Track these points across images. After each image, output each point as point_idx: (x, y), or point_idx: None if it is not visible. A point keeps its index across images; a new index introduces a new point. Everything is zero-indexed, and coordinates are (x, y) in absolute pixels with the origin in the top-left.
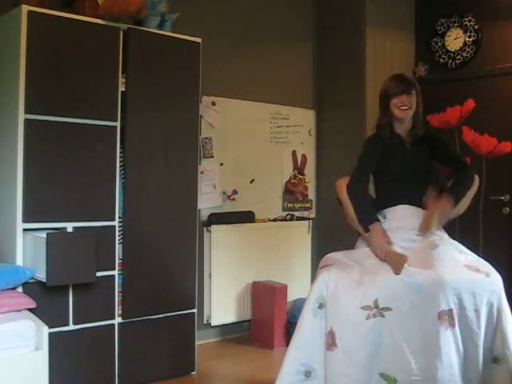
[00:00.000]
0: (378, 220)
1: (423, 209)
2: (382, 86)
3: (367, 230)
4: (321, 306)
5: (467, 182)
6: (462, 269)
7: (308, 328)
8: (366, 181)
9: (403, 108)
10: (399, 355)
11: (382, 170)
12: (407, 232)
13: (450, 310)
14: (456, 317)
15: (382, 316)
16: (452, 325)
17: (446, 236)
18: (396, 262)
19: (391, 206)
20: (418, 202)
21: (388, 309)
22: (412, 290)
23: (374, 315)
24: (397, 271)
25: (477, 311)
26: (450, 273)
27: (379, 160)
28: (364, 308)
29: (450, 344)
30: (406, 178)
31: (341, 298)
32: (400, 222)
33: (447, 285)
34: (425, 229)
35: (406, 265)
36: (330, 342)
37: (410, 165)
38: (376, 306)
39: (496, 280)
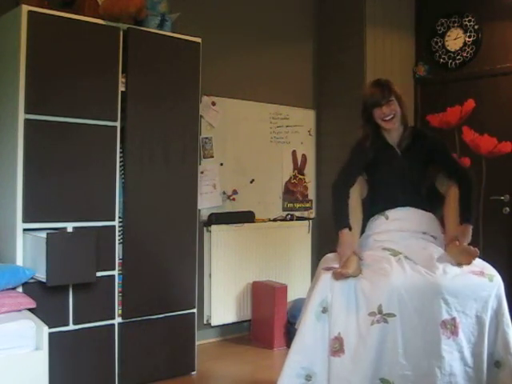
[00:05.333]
0: (348, 227)
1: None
2: (362, 96)
3: (337, 233)
4: (324, 311)
5: (474, 198)
6: (466, 274)
7: (310, 332)
8: (350, 185)
9: (387, 119)
10: (399, 362)
11: (375, 176)
12: (410, 233)
13: (453, 319)
14: (459, 325)
15: (386, 322)
16: (455, 333)
17: None
18: (340, 273)
19: (391, 208)
20: (418, 205)
21: (392, 315)
22: (415, 297)
23: (378, 321)
24: (336, 275)
25: (479, 317)
26: (453, 279)
27: (371, 166)
28: (370, 314)
29: (452, 353)
30: (400, 185)
31: (350, 304)
32: (402, 223)
33: (449, 293)
34: (466, 262)
35: (408, 268)
36: (338, 347)
37: (403, 173)
38: (380, 312)
39: (498, 284)
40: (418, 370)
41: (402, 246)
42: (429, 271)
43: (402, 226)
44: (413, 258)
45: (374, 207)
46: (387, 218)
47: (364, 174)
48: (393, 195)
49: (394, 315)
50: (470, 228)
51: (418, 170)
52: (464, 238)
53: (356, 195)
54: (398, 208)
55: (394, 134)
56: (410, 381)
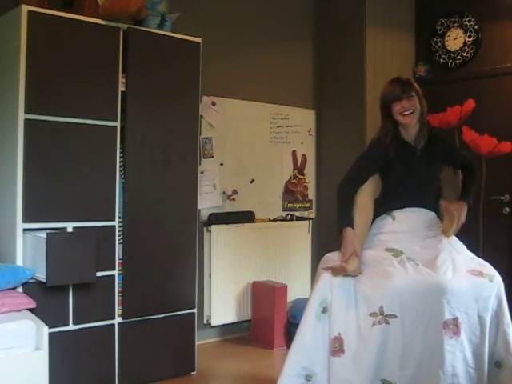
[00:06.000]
0: (352, 226)
1: (435, 213)
2: (381, 92)
3: (341, 231)
4: (324, 311)
5: (475, 186)
6: (467, 274)
7: (310, 332)
8: (356, 187)
9: (406, 113)
10: (401, 362)
11: (390, 174)
12: (415, 234)
13: (455, 319)
14: (461, 325)
15: (387, 323)
16: (457, 333)
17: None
18: (340, 268)
19: (399, 208)
20: (426, 205)
21: (393, 316)
22: (417, 298)
23: (379, 322)
24: (334, 271)
25: (480, 317)
26: (454, 280)
27: (386, 165)
28: (371, 315)
29: (454, 353)
30: (414, 184)
31: (350, 304)
32: (408, 224)
33: (450, 293)
34: (446, 235)
35: (411, 269)
36: (338, 347)
37: (419, 172)
38: (381, 313)
39: (498, 284)
40: (421, 371)
41: (406, 246)
42: (431, 271)
43: (407, 227)
44: (415, 258)
45: (382, 206)
46: (394, 219)
47: (377, 173)
48: (403, 194)
49: (395, 316)
50: (466, 207)
51: (434, 170)
52: (459, 212)
53: (367, 195)
54: (406, 208)
55: (411, 130)
56: (413, 382)
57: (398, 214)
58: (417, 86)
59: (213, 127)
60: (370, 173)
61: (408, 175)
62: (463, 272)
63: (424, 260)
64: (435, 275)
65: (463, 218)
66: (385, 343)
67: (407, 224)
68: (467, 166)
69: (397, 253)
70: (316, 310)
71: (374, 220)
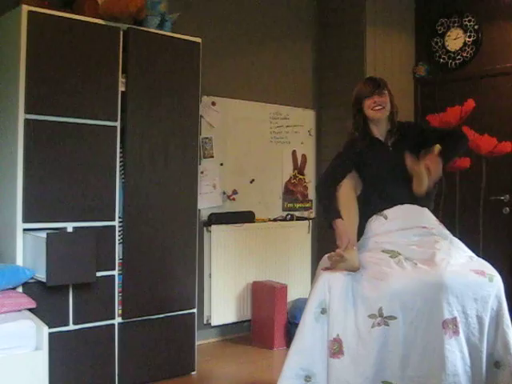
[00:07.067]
0: (340, 217)
1: (428, 208)
2: (354, 90)
3: (331, 227)
4: (323, 311)
5: (460, 146)
6: (467, 271)
7: (309, 333)
8: (333, 184)
9: (377, 108)
10: (402, 363)
11: (368, 175)
12: (409, 231)
13: (454, 319)
14: (460, 324)
15: (387, 325)
16: (456, 333)
17: (445, 231)
18: (337, 255)
19: (387, 208)
20: (415, 201)
21: (393, 317)
22: (417, 297)
23: (379, 324)
24: (333, 262)
25: (479, 317)
26: (455, 276)
27: (361, 167)
28: (370, 316)
29: (454, 352)
30: (393, 180)
31: (348, 306)
32: (402, 222)
33: (450, 292)
34: (419, 189)
35: (409, 269)
36: (337, 349)
37: (395, 165)
38: (380, 315)
39: (498, 284)
40: (422, 372)
41: (402, 247)
42: (429, 270)
43: (401, 225)
44: (413, 257)
45: (370, 206)
46: (386, 218)
47: (355, 171)
48: (389, 192)
49: (394, 318)
50: (439, 161)
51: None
52: (431, 165)
53: (348, 189)
54: (397, 206)
55: (381, 127)
56: (414, 382)
57: (389, 212)
58: (389, 88)
59: (213, 127)
60: (346, 170)
61: (384, 171)
62: (465, 269)
63: (422, 259)
64: (434, 273)
65: (437, 172)
66: (385, 345)
67: (400, 221)
68: (447, 133)
69: (394, 254)
70: (315, 311)
71: (364, 221)
